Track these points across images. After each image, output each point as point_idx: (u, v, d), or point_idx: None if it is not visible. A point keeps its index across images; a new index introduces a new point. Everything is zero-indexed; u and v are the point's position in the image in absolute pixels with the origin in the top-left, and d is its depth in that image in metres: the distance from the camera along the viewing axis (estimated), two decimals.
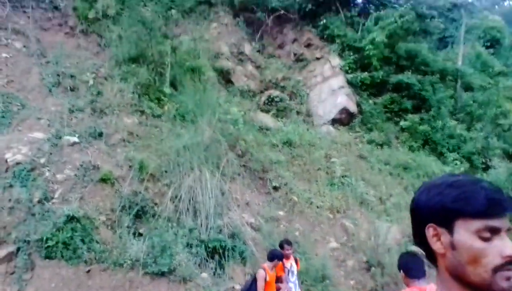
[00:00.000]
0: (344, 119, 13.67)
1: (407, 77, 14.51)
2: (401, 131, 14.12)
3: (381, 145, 13.26)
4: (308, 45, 14.91)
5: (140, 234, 8.01)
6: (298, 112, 12.95)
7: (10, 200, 7.70)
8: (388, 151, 13.00)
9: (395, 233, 9.98)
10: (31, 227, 7.40)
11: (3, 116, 9.58)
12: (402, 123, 14.07)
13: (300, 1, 15.43)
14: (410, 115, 14.12)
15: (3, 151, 8.51)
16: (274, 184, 9.96)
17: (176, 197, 8.76)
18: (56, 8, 12.92)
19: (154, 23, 12.40)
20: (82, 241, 7.33)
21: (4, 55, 10.97)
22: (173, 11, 12.66)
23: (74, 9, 13.08)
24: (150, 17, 12.31)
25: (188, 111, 10.98)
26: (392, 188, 11.55)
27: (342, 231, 9.93)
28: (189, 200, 8.67)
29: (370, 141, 13.21)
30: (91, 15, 13.03)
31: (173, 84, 11.99)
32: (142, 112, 10.97)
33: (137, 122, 10.61)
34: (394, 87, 14.67)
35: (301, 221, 9.73)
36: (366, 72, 14.47)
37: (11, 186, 7.96)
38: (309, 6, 15.30)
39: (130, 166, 9.18)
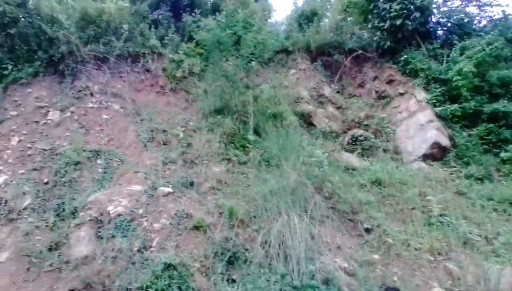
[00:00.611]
0: (436, 154, 12.89)
1: (503, 105, 13.44)
2: (502, 163, 12.91)
3: (481, 179, 12.17)
4: (389, 82, 14.59)
5: (234, 281, 8.00)
6: (385, 150, 12.51)
7: (113, 250, 8.19)
8: (490, 185, 11.87)
9: (509, 276, 8.89)
10: (132, 275, 7.74)
11: (105, 172, 10.45)
12: (502, 154, 12.89)
13: (378, 39, 15.34)
14: (511, 146, 12.93)
15: (106, 203, 9.19)
16: (365, 226, 9.52)
17: (266, 242, 8.69)
18: (147, 70, 14.12)
19: (236, 75, 13.01)
20: (179, 288, 7.47)
21: (105, 116, 12.12)
22: (253, 63, 13.20)
23: (164, 70, 14.22)
24: (232, 71, 12.93)
25: (273, 157, 11.11)
26: (499, 226, 10.42)
27: (446, 274, 9.06)
28: (279, 245, 8.55)
29: (468, 176, 12.20)
30: (178, 74, 14.07)
31: (256, 131, 12.31)
32: (229, 160, 11.32)
33: (224, 170, 10.95)
34: (489, 117, 13.63)
35: (399, 264, 9.08)
36: (456, 104, 13.67)
37: (113, 236, 8.50)
38: (388, 43, 15.12)
39: (220, 213, 9.38)
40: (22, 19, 12.54)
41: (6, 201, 9.50)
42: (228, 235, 8.78)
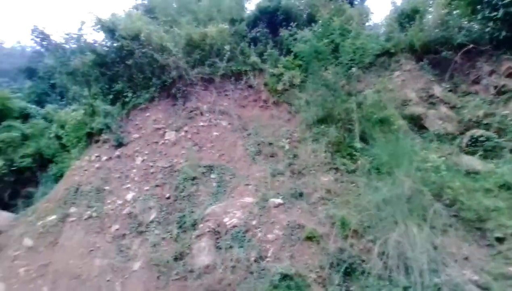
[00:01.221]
0: None
1: None
2: None
3: None
4: (509, 75, 13.19)
5: None
6: (511, 151, 11.29)
7: (231, 260, 8.56)
8: None
9: None
10: (251, 284, 8.00)
11: (219, 186, 11.00)
12: None
13: (491, 30, 14.02)
14: None
15: (222, 215, 9.66)
16: (496, 235, 8.62)
17: (383, 253, 8.36)
18: (250, 86, 14.64)
19: (337, 83, 12.86)
20: None
21: (215, 133, 12.81)
22: (354, 69, 12.93)
23: (265, 84, 14.61)
24: (333, 79, 12.82)
25: (383, 164, 10.70)
26: None
27: None
28: (398, 256, 8.16)
29: None
30: (279, 87, 14.34)
31: (363, 139, 11.99)
32: (337, 169, 11.18)
33: (333, 180, 10.83)
34: None
35: None
36: None
37: (231, 246, 8.88)
38: (503, 33, 13.73)
39: (332, 223, 9.28)
40: (137, 50, 13.85)
41: (135, 215, 10.51)
42: (343, 246, 8.64)
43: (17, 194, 16.93)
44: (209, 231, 9.28)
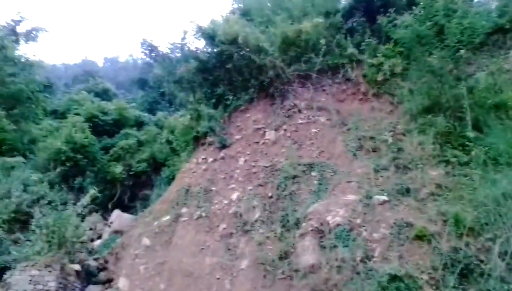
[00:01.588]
0: None
1: None
2: None
3: None
4: None
5: None
6: None
7: (336, 259, 8.45)
8: None
9: None
10: (357, 285, 7.83)
11: (320, 183, 10.93)
12: None
13: None
14: None
15: (324, 214, 9.57)
16: None
17: (505, 253, 7.58)
18: (348, 80, 14.25)
19: (443, 69, 11.91)
20: None
21: (313, 130, 12.74)
22: (462, 51, 11.84)
23: (364, 76, 14.10)
24: (438, 64, 11.89)
25: (500, 154, 9.68)
26: None
27: None
28: None
29: None
30: (379, 77, 13.72)
31: (476, 127, 10.95)
32: (447, 162, 10.36)
33: (443, 174, 10.06)
34: None
35: None
36: None
37: (335, 246, 8.77)
38: None
39: (444, 221, 8.64)
40: (235, 54, 14.32)
41: (240, 215, 10.94)
42: (457, 245, 8.01)
43: (135, 197, 18.74)
44: (312, 230, 9.27)
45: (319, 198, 10.43)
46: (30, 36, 30.74)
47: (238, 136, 13.61)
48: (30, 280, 10.39)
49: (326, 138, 12.51)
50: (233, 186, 12.04)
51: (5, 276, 11.62)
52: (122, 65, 67.70)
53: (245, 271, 9.57)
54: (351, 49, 14.44)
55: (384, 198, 9.60)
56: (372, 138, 11.94)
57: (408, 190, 9.81)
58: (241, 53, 14.27)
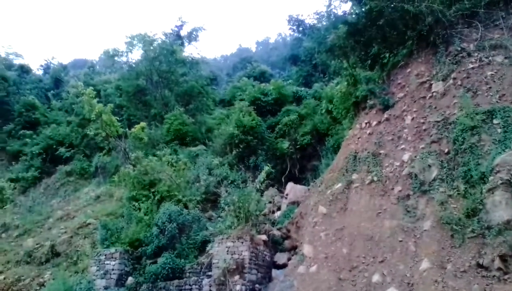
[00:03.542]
0: None
1: None
2: None
3: None
4: None
5: None
6: None
7: None
8: None
9: None
10: None
11: (505, 131, 9.62)
12: None
13: None
14: None
15: None
16: None
17: None
18: None
19: None
20: None
21: (489, 73, 11.21)
22: None
23: None
24: None
25: None
26: None
27: None
28: None
29: None
30: None
31: None
32: None
33: None
34: None
35: None
36: None
37: None
38: None
39: None
40: (386, 8, 13.42)
41: (415, 175, 10.42)
42: None
43: (304, 168, 19.48)
44: (502, 183, 8.29)
45: (506, 147, 9.20)
46: (191, 36, 34.38)
47: (401, 94, 12.89)
48: (227, 251, 11.78)
49: (506, 80, 10.86)
50: (402, 146, 11.50)
51: (207, 248, 13.55)
52: (273, 45, 70.33)
53: (429, 232, 9.12)
54: None
55: None
56: None
57: None
58: (392, 5, 13.34)
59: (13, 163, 29.42)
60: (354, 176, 11.98)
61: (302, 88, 27.55)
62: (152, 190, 17.29)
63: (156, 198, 16.85)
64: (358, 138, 13.03)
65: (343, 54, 15.18)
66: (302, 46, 32.70)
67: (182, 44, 32.82)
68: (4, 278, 16.22)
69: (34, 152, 28.78)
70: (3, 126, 33.16)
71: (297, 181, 17.53)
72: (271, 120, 23.05)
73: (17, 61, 56.94)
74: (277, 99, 24.89)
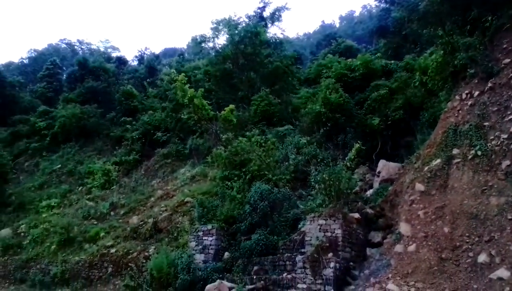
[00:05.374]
0: None
1: None
2: None
3: None
4: None
5: None
6: None
7: None
8: None
9: None
10: None
11: None
12: None
13: None
14: None
15: None
16: None
17: None
18: None
19: None
20: None
21: None
22: None
23: None
24: None
25: None
26: None
27: None
28: None
29: None
30: None
31: None
32: None
33: None
34: None
35: None
36: None
37: None
38: None
39: None
40: None
41: None
42: None
43: (396, 145, 18.60)
44: None
45: None
46: (274, 17, 34.32)
47: (506, 60, 11.69)
48: (319, 228, 11.78)
49: None
50: (510, 117, 10.47)
51: (299, 226, 13.71)
52: (358, 19, 67.71)
53: None
54: None
55: None
56: None
57: None
58: None
59: (116, 147, 32.19)
60: (455, 151, 11.19)
61: (392, 61, 26.15)
62: (243, 170, 17.86)
63: (247, 177, 17.39)
64: (458, 110, 12.10)
65: (438, 21, 14.12)
66: (390, 17, 30.93)
67: (266, 25, 32.89)
68: (116, 251, 17.94)
69: (134, 137, 31.14)
70: (106, 114, 36.29)
71: (389, 158, 16.83)
72: (359, 96, 22.28)
73: (114, 54, 61.81)
74: (365, 74, 23.93)
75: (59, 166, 32.37)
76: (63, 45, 73.96)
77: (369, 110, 20.39)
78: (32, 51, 69.61)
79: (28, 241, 21.69)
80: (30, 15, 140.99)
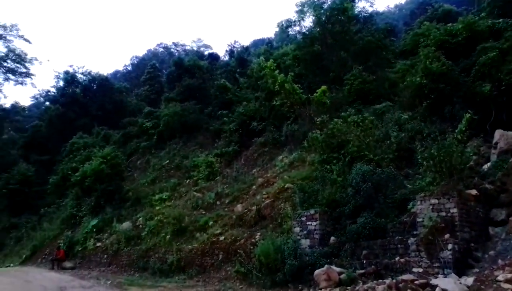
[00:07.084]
0: None
1: None
2: None
3: None
4: None
5: None
6: None
7: None
8: None
9: None
10: None
11: None
12: None
13: None
14: None
15: None
16: None
17: None
18: None
19: None
20: None
21: None
22: None
23: None
24: None
25: None
26: None
27: None
28: None
29: None
30: None
31: None
32: None
33: None
34: None
35: None
36: None
37: None
38: None
39: None
40: None
41: None
42: None
43: None
44: None
45: None
46: None
47: None
48: (432, 208, 10.95)
49: None
50: None
51: (408, 206, 12.90)
52: None
53: None
54: None
55: None
56: None
57: None
58: None
59: (216, 140, 33.58)
60: None
61: (500, 20, 23.29)
62: (342, 152, 17.35)
63: (347, 159, 16.86)
64: None
65: None
66: None
67: (353, 0, 31.54)
68: (224, 239, 18.66)
69: (231, 129, 32.15)
70: (204, 109, 37.99)
71: (506, 127, 15.03)
72: (465, 62, 20.19)
73: (206, 52, 64.38)
74: (469, 38, 21.58)
75: (167, 161, 34.85)
76: (161, 49, 79.14)
77: (478, 76, 18.38)
78: (134, 58, 75.62)
79: (145, 232, 23.53)
80: (129, 25, 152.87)
